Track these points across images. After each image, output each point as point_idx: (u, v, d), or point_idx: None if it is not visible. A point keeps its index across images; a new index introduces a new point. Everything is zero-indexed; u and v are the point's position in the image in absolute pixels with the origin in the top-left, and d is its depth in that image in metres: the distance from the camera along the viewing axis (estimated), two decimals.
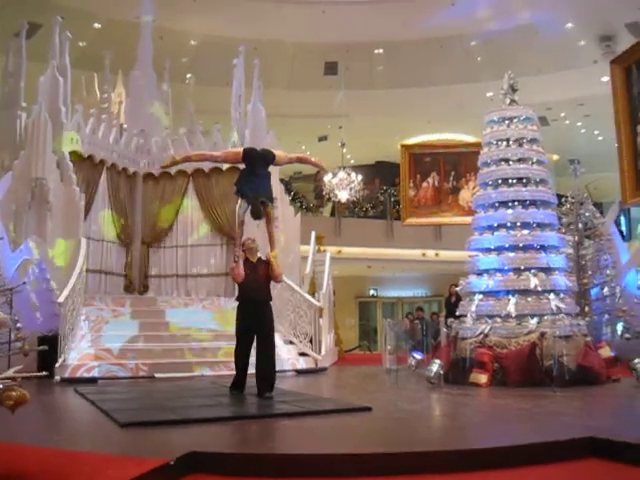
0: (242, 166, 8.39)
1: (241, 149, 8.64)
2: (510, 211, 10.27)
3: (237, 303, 8.22)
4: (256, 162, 8.14)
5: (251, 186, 7.99)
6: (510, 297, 9.89)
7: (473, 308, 10.18)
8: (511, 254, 10.09)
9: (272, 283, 8.25)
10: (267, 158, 8.25)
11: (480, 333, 9.79)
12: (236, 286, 8.50)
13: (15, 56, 14.08)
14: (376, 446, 5.08)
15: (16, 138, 13.25)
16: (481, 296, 10.22)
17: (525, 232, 10.15)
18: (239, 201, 8.11)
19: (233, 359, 8.26)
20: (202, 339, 12.10)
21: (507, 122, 10.67)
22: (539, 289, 9.86)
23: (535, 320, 9.63)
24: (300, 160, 9.22)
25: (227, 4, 17.96)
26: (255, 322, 7.95)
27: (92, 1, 17.50)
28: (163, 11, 16.64)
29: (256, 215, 8.02)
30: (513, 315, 9.72)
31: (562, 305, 9.87)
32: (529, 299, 9.82)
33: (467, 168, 18.02)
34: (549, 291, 9.94)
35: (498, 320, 9.82)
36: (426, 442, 5.28)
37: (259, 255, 8.31)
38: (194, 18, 18.68)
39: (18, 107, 13.60)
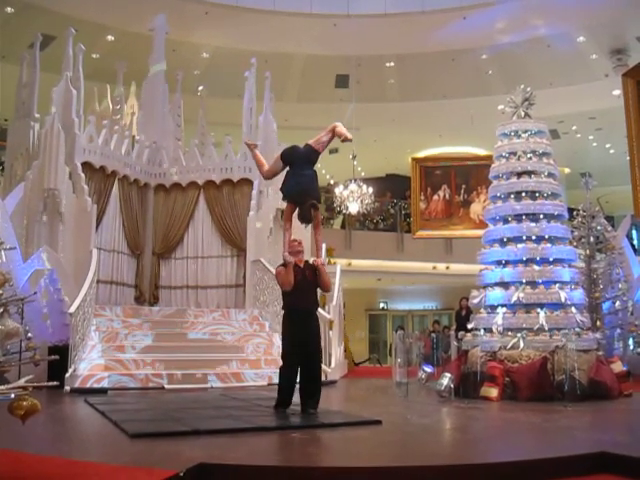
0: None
1: (279, 155, 7.82)
2: (534, 224, 10.18)
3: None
4: (298, 162, 7.51)
5: (297, 188, 7.35)
6: (539, 310, 9.79)
7: (500, 321, 9.97)
8: (537, 267, 9.96)
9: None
10: (310, 157, 7.57)
11: (514, 346, 9.63)
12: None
13: (29, 67, 14.23)
14: (386, 460, 5.04)
15: (29, 149, 13.35)
16: (505, 309, 10.09)
17: (549, 245, 10.09)
18: (286, 203, 7.56)
19: (278, 376, 7.51)
20: (212, 351, 12.08)
21: (519, 135, 10.63)
22: (568, 302, 9.83)
23: (562, 334, 9.56)
24: (332, 135, 7.73)
25: (239, 17, 18.04)
26: (306, 334, 7.27)
27: (105, 14, 17.65)
28: (175, 24, 16.74)
29: (306, 219, 7.38)
30: (546, 328, 9.62)
31: (584, 319, 9.89)
32: (557, 313, 9.75)
33: (478, 181, 17.96)
34: (572, 305, 9.90)
35: (529, 334, 9.66)
36: (436, 456, 5.23)
37: (305, 259, 7.63)
38: (206, 31, 18.80)
39: (31, 118, 13.73)
